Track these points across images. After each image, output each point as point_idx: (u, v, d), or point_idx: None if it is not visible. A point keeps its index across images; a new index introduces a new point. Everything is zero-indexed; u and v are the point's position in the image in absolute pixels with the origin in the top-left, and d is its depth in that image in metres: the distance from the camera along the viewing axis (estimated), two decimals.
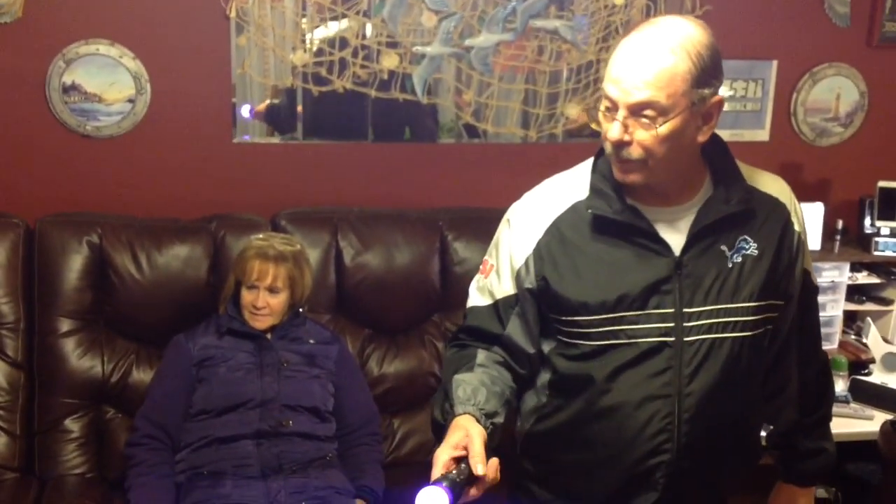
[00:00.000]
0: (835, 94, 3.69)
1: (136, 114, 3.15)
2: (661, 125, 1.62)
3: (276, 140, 3.32)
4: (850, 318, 3.66)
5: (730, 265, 1.76)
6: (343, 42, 3.26)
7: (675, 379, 1.74)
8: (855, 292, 3.60)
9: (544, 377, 1.86)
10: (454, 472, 1.57)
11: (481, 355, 1.80)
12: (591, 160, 1.83)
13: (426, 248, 3.17)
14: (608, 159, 1.74)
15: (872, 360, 3.48)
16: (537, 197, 1.85)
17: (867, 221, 3.60)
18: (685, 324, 1.74)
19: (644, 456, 1.78)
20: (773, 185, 1.85)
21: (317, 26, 3.25)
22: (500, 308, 1.82)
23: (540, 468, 1.92)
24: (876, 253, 3.55)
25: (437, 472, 1.57)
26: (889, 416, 3.10)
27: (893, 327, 3.60)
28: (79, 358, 2.88)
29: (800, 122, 3.69)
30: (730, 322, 1.75)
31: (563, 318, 1.78)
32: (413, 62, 3.33)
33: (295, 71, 3.25)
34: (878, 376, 3.43)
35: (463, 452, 1.59)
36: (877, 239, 3.54)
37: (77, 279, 2.90)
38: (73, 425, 2.87)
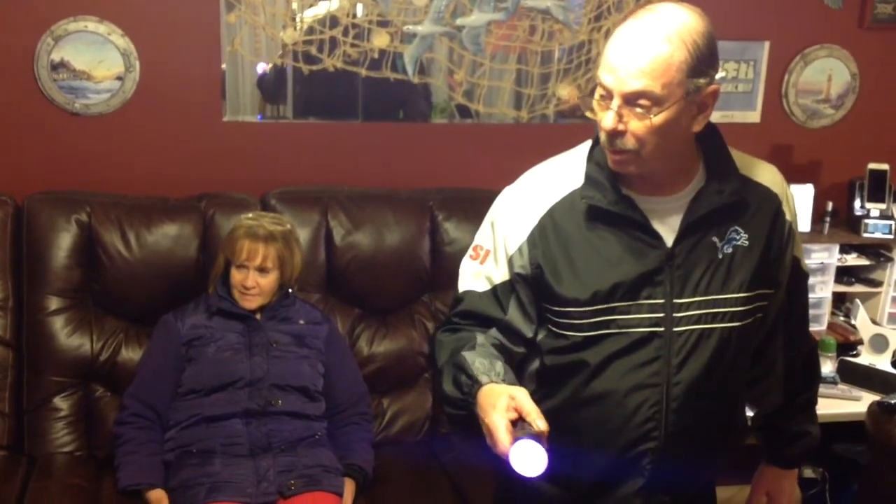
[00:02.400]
0: (826, 75, 3.69)
1: (125, 91, 3.14)
2: (655, 115, 1.61)
3: (266, 119, 3.30)
4: (839, 300, 3.67)
5: (720, 256, 1.76)
6: (334, 20, 3.24)
7: (664, 368, 1.75)
8: (844, 274, 3.60)
9: (534, 365, 1.86)
10: (524, 430, 1.56)
11: (480, 337, 1.78)
12: (586, 146, 1.81)
13: (416, 228, 3.16)
14: (603, 147, 1.73)
15: (861, 342, 3.49)
16: (532, 182, 1.83)
17: (857, 203, 3.60)
18: (675, 314, 1.74)
19: (631, 443, 1.78)
20: (765, 175, 1.84)
21: (309, 5, 3.23)
22: (498, 293, 1.81)
23: None
24: (865, 235, 3.55)
25: (505, 436, 1.55)
26: (876, 397, 3.12)
27: (882, 309, 3.61)
28: (68, 336, 2.88)
29: (791, 103, 3.68)
30: (719, 313, 1.76)
31: (555, 308, 1.78)
32: (404, 41, 3.31)
33: (285, 49, 3.24)
34: (865, 357, 3.44)
35: (514, 415, 1.58)
36: (866, 221, 3.55)
37: (66, 257, 2.90)
38: (62, 403, 2.87)
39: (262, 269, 2.76)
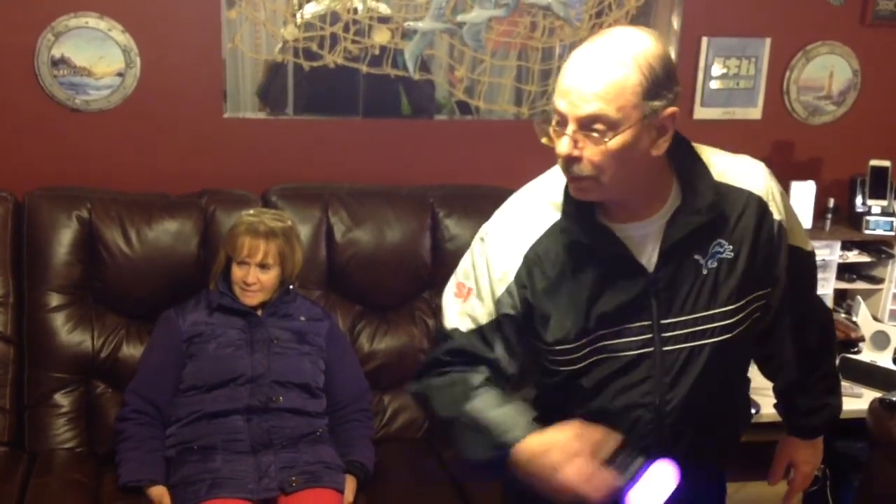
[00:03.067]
0: (828, 72, 3.68)
1: (126, 88, 3.13)
2: (610, 139, 1.57)
3: (266, 115, 3.30)
4: (841, 297, 3.67)
5: (705, 272, 1.73)
6: (334, 17, 3.24)
7: (656, 388, 1.74)
8: (845, 271, 3.60)
9: (529, 394, 1.85)
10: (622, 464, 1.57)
11: (473, 377, 1.75)
12: (561, 176, 1.74)
13: (417, 225, 3.16)
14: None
15: (862, 339, 3.49)
16: (511, 218, 1.79)
17: (858, 200, 3.60)
18: (663, 334, 1.72)
19: None
20: (747, 177, 1.79)
21: (308, 1, 3.23)
22: (485, 333, 1.78)
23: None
24: (867, 231, 3.55)
25: (608, 482, 1.56)
26: (878, 394, 3.12)
27: (883, 306, 3.61)
28: (68, 332, 2.88)
29: (792, 100, 3.68)
30: (707, 329, 1.74)
31: (544, 347, 1.76)
32: (405, 38, 3.31)
33: (285, 46, 3.23)
34: (867, 354, 3.44)
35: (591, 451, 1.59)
36: (868, 217, 3.54)
37: (66, 254, 2.89)
38: (62, 400, 2.87)
39: (263, 266, 2.76)
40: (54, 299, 2.89)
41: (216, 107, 3.24)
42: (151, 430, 2.70)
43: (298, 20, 3.22)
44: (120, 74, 3.12)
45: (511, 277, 1.74)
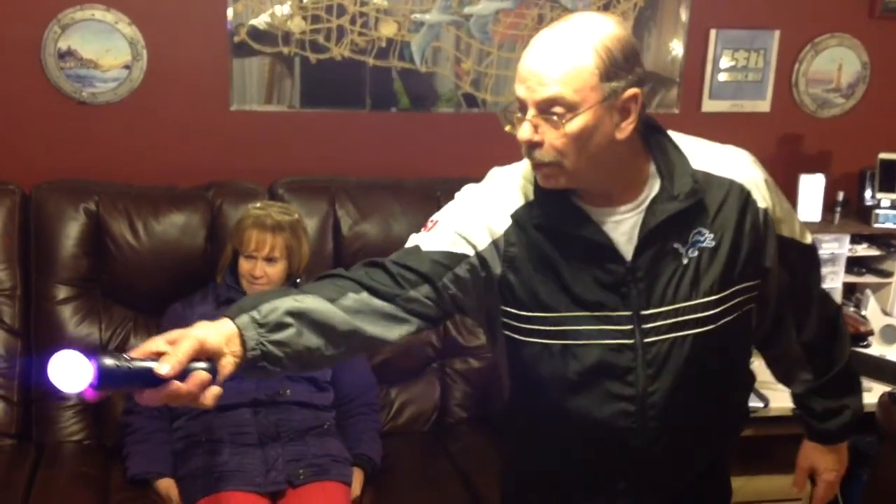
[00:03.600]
0: (837, 64, 3.67)
1: (133, 80, 3.13)
2: (569, 121, 1.57)
3: (273, 108, 3.30)
4: (850, 291, 3.65)
5: (685, 261, 1.70)
6: (341, 9, 3.23)
7: (637, 380, 1.71)
8: (854, 264, 3.59)
9: (507, 384, 1.84)
10: (132, 361, 1.33)
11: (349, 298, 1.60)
12: None
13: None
14: None
15: (871, 333, 3.48)
16: (498, 184, 1.76)
17: (868, 193, 3.59)
18: (643, 325, 1.69)
19: (612, 452, 1.76)
20: (728, 165, 1.75)
21: None
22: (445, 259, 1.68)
23: (524, 457, 1.92)
24: (876, 225, 3.53)
25: (131, 353, 1.37)
26: (887, 388, 3.10)
27: (892, 299, 3.59)
28: (76, 325, 2.88)
29: (801, 92, 3.66)
30: (689, 320, 1.70)
31: (515, 311, 1.72)
32: (411, 30, 3.30)
33: (292, 38, 3.23)
34: (876, 348, 3.43)
35: (169, 349, 1.38)
36: (877, 211, 3.53)
37: (73, 246, 2.90)
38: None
39: (270, 259, 2.75)
40: (62, 292, 2.89)
41: (223, 99, 3.23)
42: (159, 423, 2.71)
43: (305, 12, 3.21)
44: (127, 67, 3.12)
45: (500, 232, 1.69)
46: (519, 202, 1.72)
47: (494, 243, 1.70)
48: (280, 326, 1.50)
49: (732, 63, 3.57)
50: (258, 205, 2.87)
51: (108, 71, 3.11)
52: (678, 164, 1.71)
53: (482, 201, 1.74)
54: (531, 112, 1.59)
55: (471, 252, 1.69)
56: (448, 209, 1.76)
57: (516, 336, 1.74)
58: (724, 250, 1.71)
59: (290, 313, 1.52)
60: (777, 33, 3.58)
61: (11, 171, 3.00)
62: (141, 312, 2.96)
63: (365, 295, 1.62)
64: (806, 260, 1.90)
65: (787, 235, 1.81)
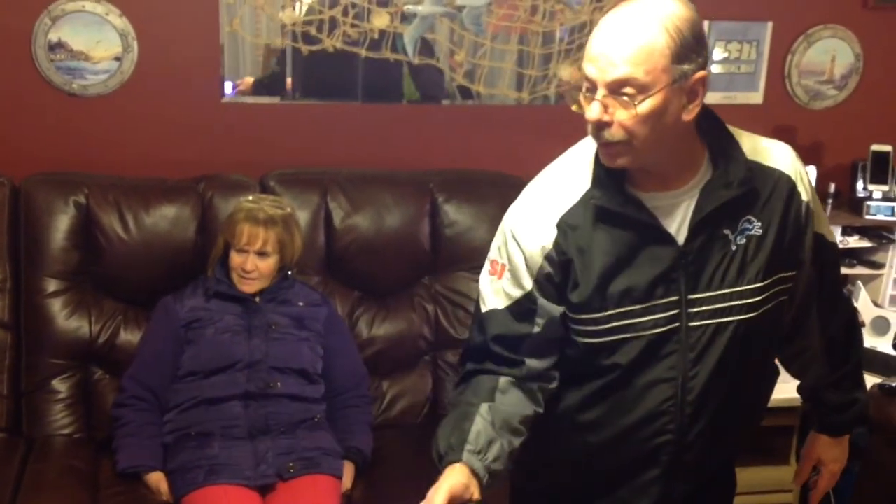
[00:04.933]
0: (829, 56, 3.66)
1: (123, 72, 3.12)
2: (640, 102, 1.58)
3: (265, 100, 3.28)
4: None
5: (734, 248, 1.73)
6: (333, 0, 3.22)
7: (680, 363, 1.74)
8: (846, 256, 3.58)
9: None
10: None
11: (502, 382, 1.77)
12: (591, 146, 1.75)
13: (416, 210, 3.14)
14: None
15: (862, 324, 3.47)
16: (541, 192, 1.79)
17: (859, 185, 3.58)
18: (689, 310, 1.73)
19: (647, 437, 1.78)
20: (775, 157, 1.80)
21: None
22: (521, 307, 1.77)
23: (542, 451, 1.91)
24: (868, 216, 3.54)
25: None
26: (878, 380, 3.11)
27: (884, 291, 3.60)
28: (66, 318, 2.87)
29: (794, 84, 3.66)
30: (734, 306, 1.74)
31: (572, 315, 1.76)
32: (404, 22, 3.29)
33: (284, 30, 3.21)
34: (867, 340, 3.42)
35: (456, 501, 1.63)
36: (869, 202, 3.53)
37: (63, 239, 2.89)
38: (60, 386, 2.87)
39: (261, 254, 2.75)
40: (52, 285, 2.88)
41: (214, 91, 3.22)
42: (149, 417, 2.70)
43: (297, 4, 3.20)
44: (117, 59, 3.10)
45: (550, 246, 1.73)
46: (568, 203, 1.74)
47: (548, 258, 1.74)
48: (490, 445, 1.70)
49: (725, 55, 3.56)
50: (250, 198, 2.86)
51: (99, 63, 3.10)
52: (733, 151, 1.74)
53: (526, 225, 1.77)
54: (601, 92, 1.60)
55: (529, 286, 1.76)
56: (503, 246, 1.80)
57: (570, 337, 1.77)
58: (770, 239, 1.75)
59: (489, 430, 1.71)
60: (770, 25, 3.57)
61: (1, 164, 2.98)
62: (131, 305, 2.95)
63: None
64: (833, 258, 1.96)
65: (821, 232, 1.86)
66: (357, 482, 2.73)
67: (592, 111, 1.62)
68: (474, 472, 1.67)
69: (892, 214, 3.52)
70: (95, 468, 2.72)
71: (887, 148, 3.54)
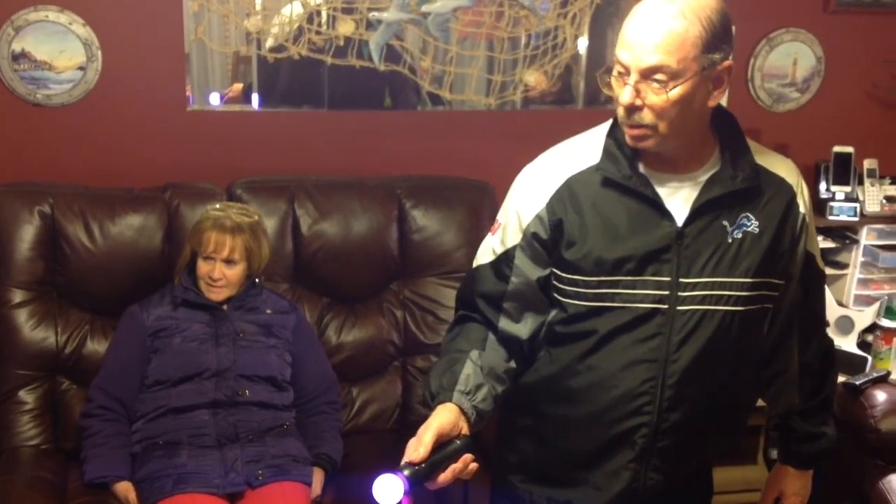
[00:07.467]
0: (792, 59, 3.70)
1: (88, 82, 3.11)
2: (671, 89, 1.65)
3: (231, 108, 3.28)
4: None
5: (729, 240, 1.79)
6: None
7: (663, 345, 1.78)
8: None
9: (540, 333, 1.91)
10: (421, 465, 1.63)
11: (491, 337, 1.86)
12: (607, 124, 1.85)
13: (384, 216, 3.15)
14: (622, 124, 1.77)
15: (827, 324, 3.50)
16: (550, 158, 1.88)
17: (822, 186, 3.62)
18: (680, 293, 1.77)
19: (624, 416, 1.82)
20: (780, 166, 1.88)
21: None
22: (501, 262, 1.86)
23: (522, 423, 1.96)
24: (831, 217, 3.58)
25: (415, 454, 1.62)
26: (842, 379, 3.14)
27: (847, 291, 3.63)
28: (32, 329, 2.86)
29: (757, 87, 3.70)
30: (723, 295, 1.79)
31: (562, 273, 1.82)
32: (369, 28, 3.29)
33: (249, 37, 3.21)
34: (832, 339, 3.45)
35: (444, 438, 1.66)
36: (832, 203, 3.57)
37: (28, 249, 2.87)
38: (27, 396, 2.85)
39: (229, 261, 2.74)
40: (17, 295, 2.86)
41: (180, 100, 3.21)
42: (117, 426, 2.69)
43: (261, 12, 3.20)
44: (81, 68, 3.09)
45: (544, 204, 1.81)
46: (576, 168, 1.82)
47: (538, 217, 1.82)
48: (478, 388, 1.77)
49: None
50: (217, 206, 2.86)
51: (63, 72, 3.09)
52: (743, 150, 1.82)
53: (528, 184, 1.86)
54: (634, 77, 1.68)
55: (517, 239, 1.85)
56: (507, 202, 1.91)
57: (558, 297, 1.84)
58: (766, 240, 1.81)
59: (478, 374, 1.79)
60: (732, 28, 3.59)
61: None
62: (98, 315, 2.93)
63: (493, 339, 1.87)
64: (819, 284, 2.02)
65: (812, 253, 1.93)
66: (327, 488, 2.73)
67: (625, 95, 1.69)
68: (463, 412, 1.73)
69: (855, 215, 3.57)
70: (63, 479, 2.70)
71: (849, 149, 3.58)
